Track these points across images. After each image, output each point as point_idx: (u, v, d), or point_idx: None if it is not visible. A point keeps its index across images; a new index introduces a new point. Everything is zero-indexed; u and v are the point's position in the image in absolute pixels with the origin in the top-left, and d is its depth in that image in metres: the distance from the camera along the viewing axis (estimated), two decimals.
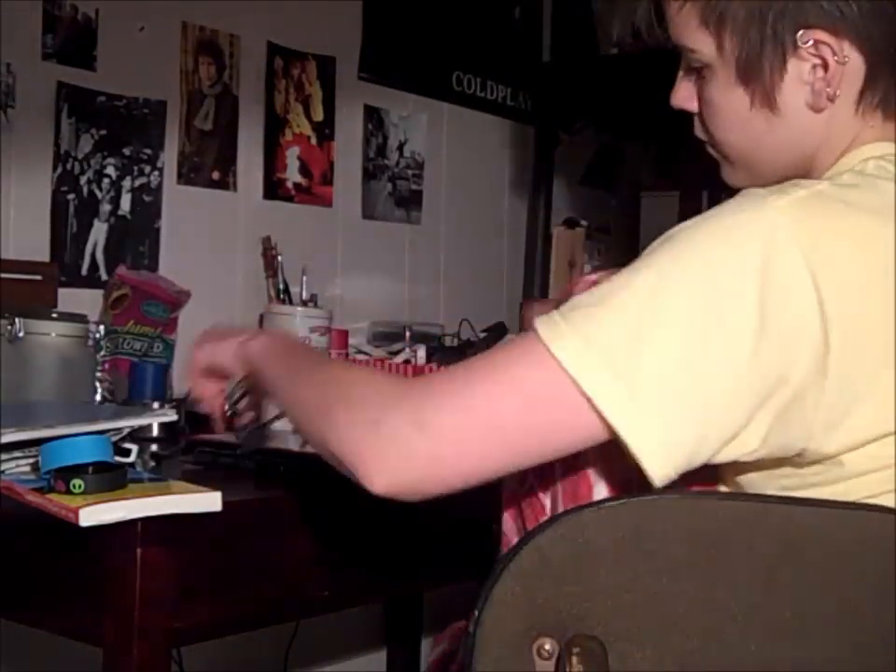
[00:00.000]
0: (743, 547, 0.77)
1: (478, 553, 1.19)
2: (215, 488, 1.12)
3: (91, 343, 1.62)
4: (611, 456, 0.89)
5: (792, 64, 0.93)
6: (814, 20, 0.91)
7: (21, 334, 1.52)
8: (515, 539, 1.11)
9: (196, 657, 1.75)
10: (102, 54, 1.83)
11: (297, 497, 1.28)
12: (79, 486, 1.08)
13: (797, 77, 0.94)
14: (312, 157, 2.16)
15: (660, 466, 0.80)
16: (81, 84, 1.81)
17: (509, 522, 1.11)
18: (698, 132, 1.04)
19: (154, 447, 1.51)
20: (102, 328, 1.68)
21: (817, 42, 0.92)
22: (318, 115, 2.17)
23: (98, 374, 1.67)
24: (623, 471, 0.92)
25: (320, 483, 1.29)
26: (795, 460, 0.86)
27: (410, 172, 2.37)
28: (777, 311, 0.80)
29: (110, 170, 1.86)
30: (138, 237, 1.90)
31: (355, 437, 0.86)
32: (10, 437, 1.17)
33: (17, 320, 1.53)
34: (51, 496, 1.08)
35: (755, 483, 0.91)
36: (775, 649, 0.77)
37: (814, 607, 0.77)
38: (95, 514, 1.04)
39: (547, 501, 1.05)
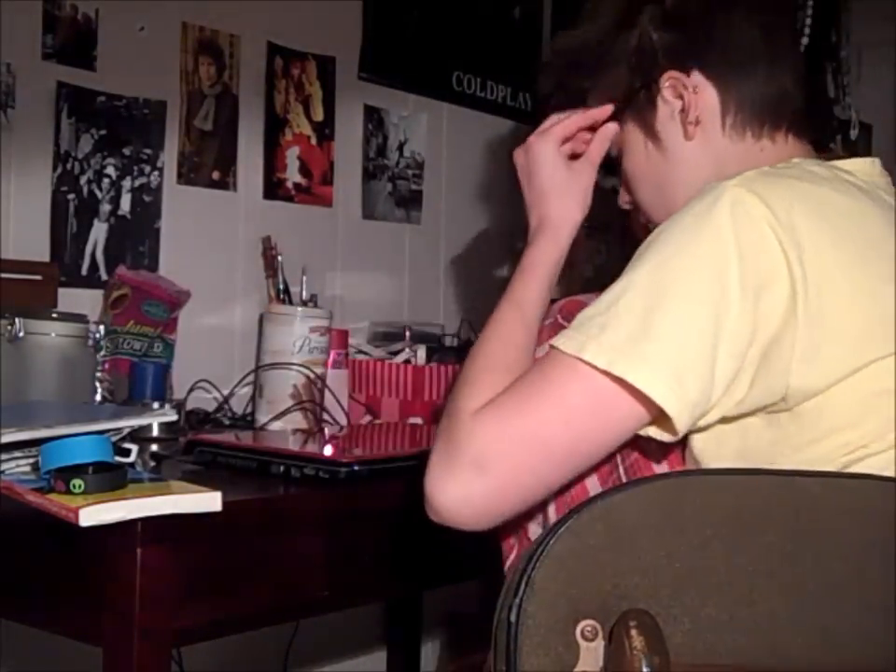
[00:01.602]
0: (764, 518, 0.84)
1: (478, 553, 1.19)
2: (215, 488, 1.12)
3: (91, 343, 1.63)
4: None
5: (660, 104, 1.14)
6: (666, 62, 1.12)
7: (21, 334, 1.52)
8: (512, 538, 1.12)
9: (196, 657, 1.75)
10: (102, 54, 1.83)
11: (297, 497, 1.28)
12: (79, 486, 1.08)
13: (668, 115, 1.14)
14: (312, 157, 2.16)
15: (687, 418, 0.92)
16: (81, 84, 1.81)
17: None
18: (623, 203, 1.24)
19: (154, 447, 1.51)
20: (102, 328, 1.68)
21: (671, 80, 1.12)
22: (318, 115, 2.17)
23: (98, 374, 1.67)
24: (608, 456, 1.01)
25: (320, 483, 1.29)
26: (778, 408, 0.95)
27: (410, 172, 2.37)
28: (752, 269, 0.92)
29: (110, 170, 1.86)
30: (138, 237, 1.90)
31: (430, 471, 0.96)
32: (10, 437, 1.17)
33: (17, 320, 1.53)
34: (51, 496, 1.08)
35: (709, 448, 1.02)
36: (798, 611, 0.83)
37: (829, 570, 0.84)
38: (95, 514, 1.04)
39: None
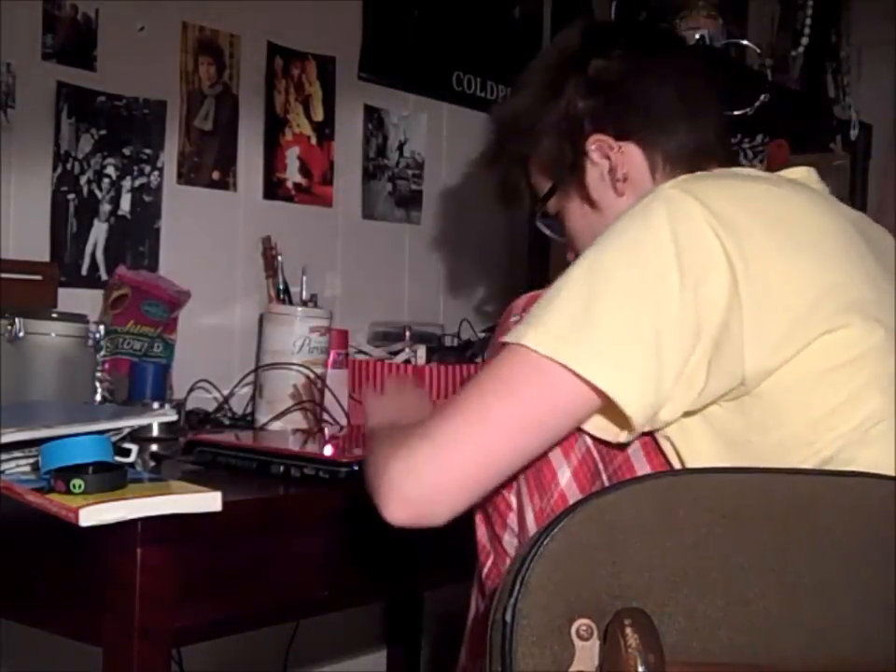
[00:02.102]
0: (757, 516, 0.84)
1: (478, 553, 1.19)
2: (215, 488, 1.12)
3: (91, 343, 1.63)
4: (568, 439, 1.04)
5: (589, 166, 1.21)
6: (591, 127, 1.20)
7: (21, 334, 1.53)
8: (489, 545, 1.14)
9: (196, 657, 1.75)
10: (102, 54, 1.83)
11: (297, 497, 1.28)
12: (79, 486, 1.08)
13: (598, 176, 1.21)
14: (312, 157, 2.16)
15: (640, 411, 0.96)
16: (81, 84, 1.81)
17: (481, 527, 1.16)
18: (571, 260, 1.23)
19: (154, 447, 1.51)
20: (102, 328, 1.68)
21: (597, 142, 1.20)
22: (318, 115, 2.17)
23: (98, 374, 1.67)
24: (581, 450, 1.06)
25: (320, 483, 1.29)
26: (739, 393, 0.98)
27: (410, 172, 2.37)
28: (690, 262, 0.96)
29: (110, 170, 1.86)
30: (138, 237, 1.90)
31: (378, 476, 0.98)
32: (10, 437, 1.17)
33: (17, 320, 1.53)
34: (51, 496, 1.08)
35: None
36: (792, 609, 0.83)
37: (824, 568, 0.84)
38: (95, 514, 1.04)
39: (512, 497, 1.11)
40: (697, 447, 1.03)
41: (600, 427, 1.02)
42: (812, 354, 0.97)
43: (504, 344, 0.99)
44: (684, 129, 1.19)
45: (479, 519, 1.17)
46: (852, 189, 2.54)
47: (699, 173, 1.11)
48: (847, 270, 1.01)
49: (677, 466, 1.05)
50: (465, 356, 2.04)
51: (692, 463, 1.03)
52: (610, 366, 0.95)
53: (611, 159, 1.20)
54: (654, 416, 0.98)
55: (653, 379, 0.95)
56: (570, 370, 0.95)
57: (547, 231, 1.31)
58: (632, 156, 1.20)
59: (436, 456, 0.96)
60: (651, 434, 1.06)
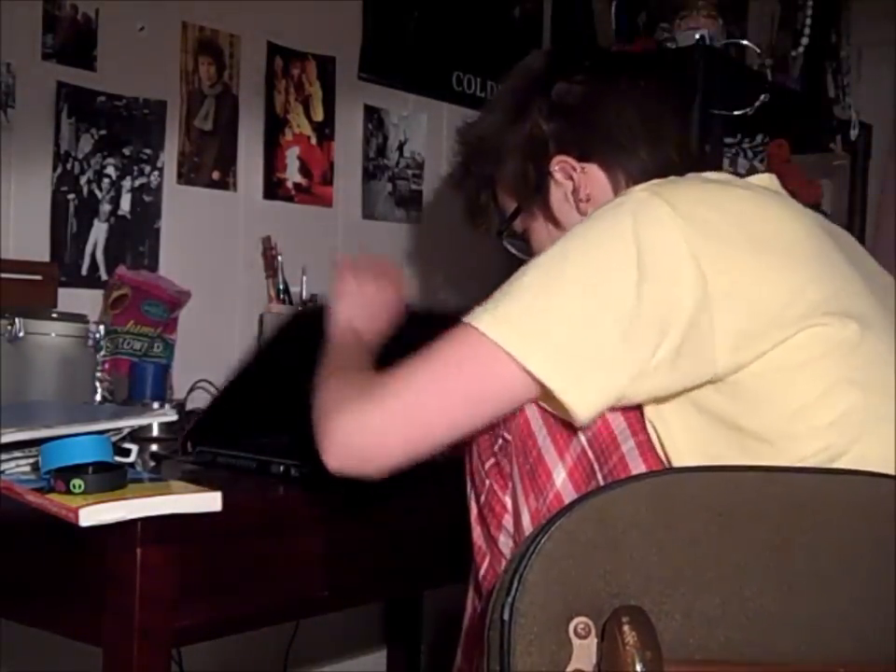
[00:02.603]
0: (754, 514, 0.85)
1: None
2: (215, 488, 1.12)
3: (91, 343, 1.63)
4: (563, 439, 1.07)
5: (553, 187, 1.23)
6: (555, 148, 1.22)
7: (21, 334, 1.53)
8: (484, 546, 1.15)
9: (196, 657, 1.75)
10: (102, 54, 1.83)
11: (297, 497, 1.28)
12: (79, 486, 1.08)
13: (562, 196, 1.23)
14: (312, 157, 2.16)
15: (581, 403, 0.99)
16: (81, 84, 1.81)
17: (477, 529, 1.17)
18: None
19: (154, 447, 1.51)
20: (102, 328, 1.68)
21: (560, 163, 1.22)
22: (318, 115, 2.17)
23: (98, 374, 1.67)
24: (577, 450, 1.07)
25: (321, 483, 1.29)
26: (714, 386, 1.00)
27: (410, 172, 2.37)
28: (653, 262, 0.98)
29: (110, 170, 1.86)
30: (138, 237, 1.90)
31: (327, 419, 1.04)
32: (10, 437, 1.17)
33: (17, 320, 1.53)
34: (51, 496, 1.08)
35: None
36: (789, 605, 0.84)
37: (820, 565, 0.85)
38: (95, 514, 1.04)
39: (507, 498, 1.11)
40: (689, 427, 1.04)
41: (553, 406, 1.04)
42: (787, 349, 0.98)
43: (461, 322, 1.03)
44: (645, 150, 1.21)
45: (474, 521, 1.17)
46: (852, 189, 2.54)
47: (671, 177, 1.13)
48: (817, 268, 1.03)
49: (669, 446, 1.05)
50: None
51: (682, 445, 1.04)
52: (554, 359, 0.98)
53: (575, 179, 1.22)
54: (606, 406, 1.01)
55: (600, 375, 0.98)
56: (514, 358, 0.98)
57: (513, 250, 1.34)
58: (595, 177, 1.22)
59: (380, 416, 1.01)
60: (646, 433, 1.06)
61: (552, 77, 1.26)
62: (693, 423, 1.02)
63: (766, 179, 1.19)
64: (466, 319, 1.03)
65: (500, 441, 1.13)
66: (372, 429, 1.01)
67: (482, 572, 1.16)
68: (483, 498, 1.15)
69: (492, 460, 1.14)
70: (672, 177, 1.13)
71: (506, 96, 1.32)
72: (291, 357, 1.28)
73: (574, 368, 0.98)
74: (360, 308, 1.30)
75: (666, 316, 0.98)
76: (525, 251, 1.31)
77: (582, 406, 0.99)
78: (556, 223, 1.25)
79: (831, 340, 0.99)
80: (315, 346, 1.22)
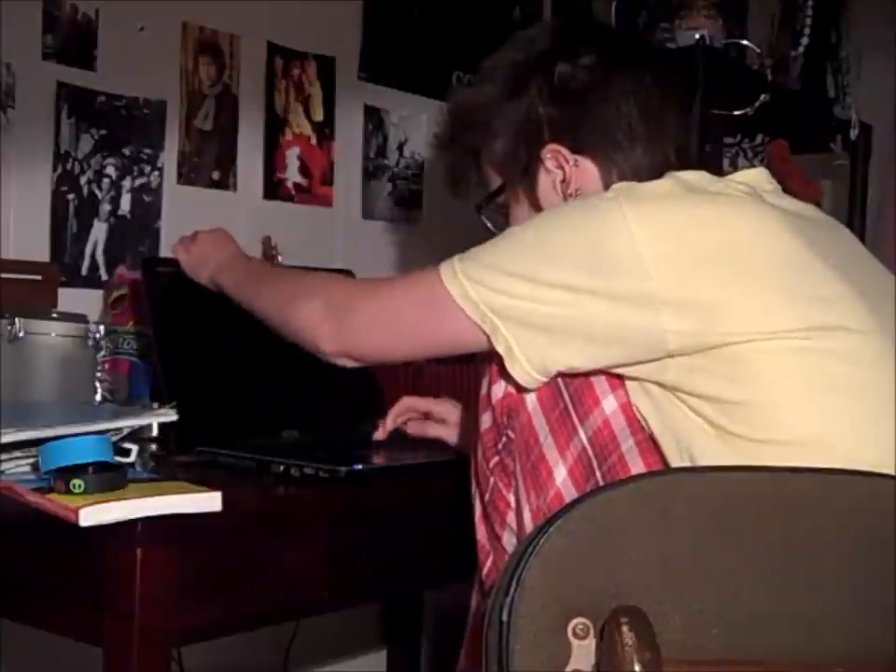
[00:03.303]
0: (753, 514, 0.85)
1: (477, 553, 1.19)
2: (215, 488, 1.12)
3: (91, 342, 1.62)
4: (565, 437, 1.08)
5: (542, 174, 1.22)
6: (549, 135, 1.20)
7: (21, 334, 1.52)
8: (488, 544, 1.14)
9: (196, 657, 1.75)
10: (102, 54, 1.83)
11: (297, 497, 1.28)
12: (79, 486, 1.08)
13: (550, 185, 1.21)
14: (312, 157, 2.16)
15: (519, 367, 1.05)
16: (81, 84, 1.81)
17: (481, 527, 1.16)
18: None
19: (154, 447, 1.51)
20: (102, 328, 1.68)
21: (553, 152, 1.20)
22: (318, 115, 2.17)
23: (98, 374, 1.67)
24: (577, 448, 1.07)
25: (320, 483, 1.29)
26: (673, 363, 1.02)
27: (410, 172, 2.37)
28: (603, 255, 1.01)
29: (110, 170, 1.86)
30: (138, 237, 1.90)
31: (312, 317, 1.18)
32: (10, 437, 1.17)
33: (17, 320, 1.52)
34: (51, 496, 1.08)
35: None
36: (788, 606, 0.84)
37: (819, 566, 0.85)
38: (95, 514, 1.04)
39: (511, 496, 1.11)
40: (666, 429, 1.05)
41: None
42: (767, 356, 0.98)
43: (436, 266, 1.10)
44: (642, 149, 1.19)
45: (478, 518, 1.17)
46: (852, 189, 2.54)
47: (655, 183, 1.10)
48: (794, 279, 1.01)
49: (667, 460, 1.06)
50: (464, 356, 2.04)
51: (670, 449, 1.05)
52: (502, 321, 1.04)
53: (566, 171, 1.20)
54: (549, 375, 1.06)
55: (543, 339, 1.04)
56: (469, 317, 1.06)
57: (489, 224, 1.31)
58: (587, 172, 1.19)
59: (357, 326, 1.16)
60: (646, 433, 1.06)
61: (555, 55, 1.20)
62: (682, 425, 1.03)
63: (754, 176, 1.16)
64: (441, 264, 1.10)
65: (504, 438, 1.13)
66: (353, 330, 1.16)
67: (485, 570, 1.16)
68: (487, 496, 1.15)
69: (496, 458, 1.14)
70: (655, 183, 1.10)
71: (504, 68, 1.24)
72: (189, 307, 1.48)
73: (522, 331, 1.04)
74: (206, 245, 1.48)
75: (619, 302, 1.00)
76: (501, 227, 1.28)
77: (523, 373, 1.05)
78: (539, 209, 1.22)
79: (813, 346, 0.98)
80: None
